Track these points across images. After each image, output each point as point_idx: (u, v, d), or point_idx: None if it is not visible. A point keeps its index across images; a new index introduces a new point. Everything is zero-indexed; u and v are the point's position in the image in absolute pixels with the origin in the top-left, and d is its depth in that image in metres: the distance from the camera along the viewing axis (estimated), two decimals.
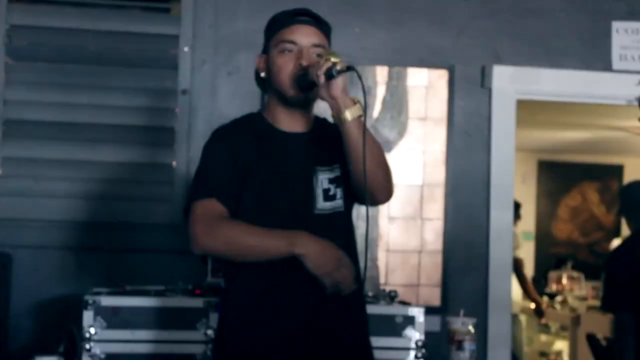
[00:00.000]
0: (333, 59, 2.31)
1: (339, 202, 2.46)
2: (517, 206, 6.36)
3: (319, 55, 2.42)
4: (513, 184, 4.04)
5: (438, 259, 3.92)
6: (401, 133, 3.95)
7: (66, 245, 3.71)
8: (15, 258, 3.63)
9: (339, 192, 2.46)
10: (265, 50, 2.50)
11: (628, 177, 9.67)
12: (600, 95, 4.14)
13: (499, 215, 3.98)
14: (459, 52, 3.99)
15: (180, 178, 3.75)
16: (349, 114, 2.30)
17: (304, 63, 2.39)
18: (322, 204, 2.44)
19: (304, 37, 2.43)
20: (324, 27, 2.49)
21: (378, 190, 2.40)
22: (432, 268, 3.93)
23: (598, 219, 10.23)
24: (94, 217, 3.73)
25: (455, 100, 3.96)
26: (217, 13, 3.83)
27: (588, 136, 8.77)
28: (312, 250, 2.26)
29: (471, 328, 3.10)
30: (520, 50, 4.03)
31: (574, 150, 9.86)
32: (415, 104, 3.97)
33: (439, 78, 3.98)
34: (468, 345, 3.03)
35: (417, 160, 3.96)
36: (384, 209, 3.89)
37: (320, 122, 2.57)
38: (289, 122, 2.48)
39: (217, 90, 3.80)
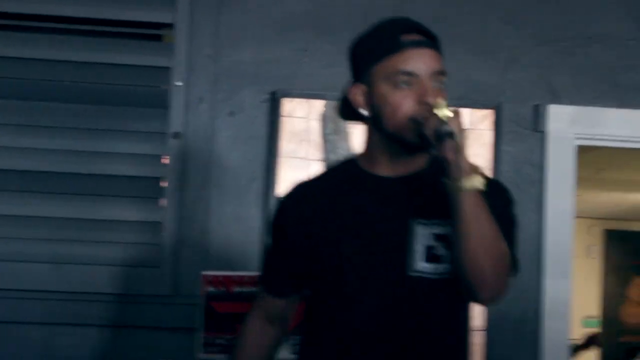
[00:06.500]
0: (439, 114, 1.98)
1: (449, 267, 2.10)
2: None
3: (440, 85, 2.10)
4: (571, 247, 3.66)
5: (481, 340, 3.57)
6: None
7: (32, 321, 3.41)
8: None
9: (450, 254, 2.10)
10: (361, 79, 2.15)
11: None
12: None
13: (555, 286, 3.63)
14: (506, 88, 3.69)
15: (170, 239, 3.45)
16: (464, 183, 1.99)
17: (429, 101, 2.04)
18: (421, 265, 2.11)
19: (423, 65, 2.09)
20: (438, 45, 2.13)
21: (478, 283, 2.04)
22: (474, 351, 3.44)
23: None
24: (67, 287, 3.44)
25: (502, 146, 3.64)
26: (217, 41, 3.53)
27: None
28: None
29: None
30: (581, 86, 3.73)
31: None
32: None
33: (482, 119, 3.65)
34: None
35: None
36: None
37: (437, 162, 2.16)
38: (392, 165, 2.18)
39: (215, 134, 3.53)
